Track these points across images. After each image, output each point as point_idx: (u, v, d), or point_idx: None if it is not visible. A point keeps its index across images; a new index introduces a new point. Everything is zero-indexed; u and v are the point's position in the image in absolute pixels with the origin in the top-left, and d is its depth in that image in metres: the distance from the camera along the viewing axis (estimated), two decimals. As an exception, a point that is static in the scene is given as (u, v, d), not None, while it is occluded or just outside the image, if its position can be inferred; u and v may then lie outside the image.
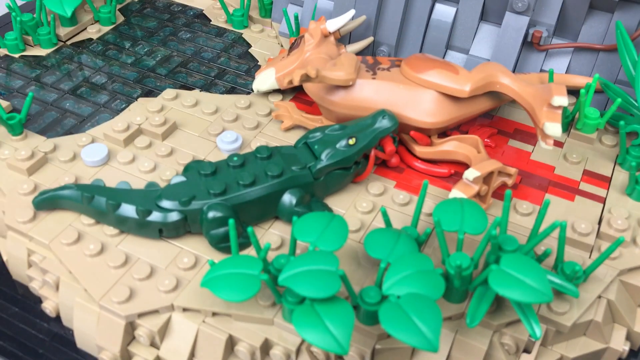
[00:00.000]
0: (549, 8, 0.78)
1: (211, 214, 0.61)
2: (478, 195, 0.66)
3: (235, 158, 0.65)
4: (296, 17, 0.87)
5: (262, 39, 0.94)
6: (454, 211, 0.60)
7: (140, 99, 0.82)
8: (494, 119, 0.80)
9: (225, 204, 0.62)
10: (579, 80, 0.80)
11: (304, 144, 0.68)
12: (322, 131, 0.68)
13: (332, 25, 0.78)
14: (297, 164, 0.66)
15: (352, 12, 0.79)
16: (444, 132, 0.75)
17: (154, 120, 0.76)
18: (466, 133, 0.76)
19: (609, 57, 0.79)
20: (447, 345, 0.58)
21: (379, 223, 0.66)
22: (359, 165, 0.68)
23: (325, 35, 0.78)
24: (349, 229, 0.65)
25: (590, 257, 0.64)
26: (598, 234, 0.65)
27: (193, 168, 0.66)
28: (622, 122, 0.70)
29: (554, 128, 0.64)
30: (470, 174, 0.63)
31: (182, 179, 0.64)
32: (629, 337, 0.63)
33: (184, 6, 1.02)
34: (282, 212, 0.65)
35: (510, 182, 0.68)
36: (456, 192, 0.64)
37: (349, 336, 0.51)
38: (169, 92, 0.82)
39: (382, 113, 0.68)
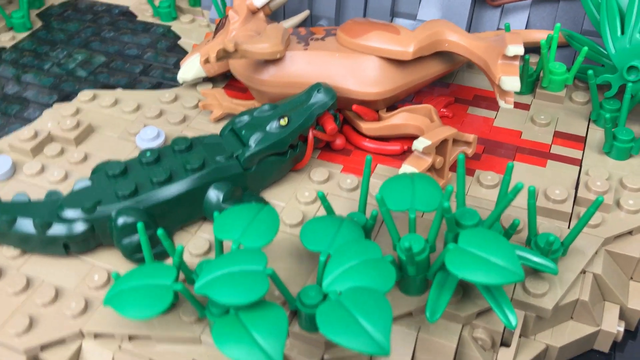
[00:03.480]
0: (498, -43, 0.70)
1: (121, 220, 0.52)
2: (433, 168, 0.57)
3: (148, 154, 0.56)
4: (221, -2, 0.79)
5: (193, 29, 0.85)
6: (403, 188, 0.51)
7: (55, 105, 0.73)
8: (450, 87, 0.71)
9: (137, 207, 0.53)
10: (541, 35, 0.71)
11: (230, 131, 0.59)
12: (250, 114, 0.59)
13: (259, -1, 0.70)
14: (223, 153, 0.57)
15: (280, -17, 0.71)
16: (394, 106, 0.66)
17: (66, 125, 0.66)
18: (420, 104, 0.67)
19: (570, 5, 0.71)
20: (410, 346, 0.49)
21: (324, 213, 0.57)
22: (297, 149, 0.59)
23: (253, 12, 0.70)
24: (290, 222, 0.56)
25: (569, 227, 0.55)
26: (576, 200, 0.56)
27: (101, 170, 0.57)
28: (590, 72, 0.61)
29: (511, 82, 0.56)
30: (419, 143, 0.55)
31: (87, 183, 0.55)
32: (622, 315, 0.54)
33: (108, 5, 0.93)
34: (208, 211, 0.56)
35: (469, 151, 0.59)
36: (407, 167, 0.55)
37: (281, 348, 0.41)
38: (85, 94, 0.72)
39: (317, 87, 0.59)
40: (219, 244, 0.49)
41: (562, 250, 0.50)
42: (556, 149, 0.62)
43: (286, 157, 0.59)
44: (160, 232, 0.47)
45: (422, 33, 0.61)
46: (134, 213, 0.52)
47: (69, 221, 0.53)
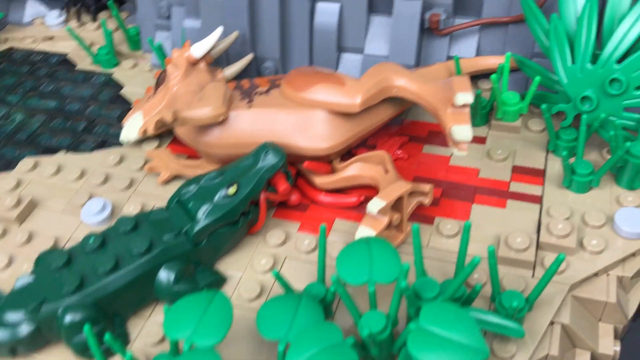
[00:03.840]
0: (441, -14, 0.67)
1: (68, 319, 0.49)
2: (391, 225, 0.55)
3: (91, 239, 0.53)
4: (159, 47, 0.75)
5: (136, 76, 0.82)
6: (360, 257, 0.49)
7: (-5, 176, 0.69)
8: (404, 124, 0.69)
9: (85, 302, 0.50)
10: (493, 61, 0.70)
11: (177, 203, 0.57)
12: (196, 183, 0.57)
13: (198, 50, 0.66)
14: (170, 230, 0.54)
15: (219, 30, 0.68)
16: (348, 151, 0.64)
17: (6, 202, 0.63)
18: (374, 147, 0.65)
19: (519, 29, 0.69)
20: None
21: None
22: (249, 216, 0.57)
23: (194, 63, 0.67)
24: (248, 296, 0.54)
25: (533, 275, 0.53)
26: (538, 245, 0.55)
27: (44, 261, 0.54)
28: (544, 106, 0.60)
29: (462, 132, 0.54)
30: (374, 206, 0.52)
31: (29, 279, 0.52)
32: (594, 361, 0.53)
33: (45, 53, 0.89)
34: (160, 294, 0.53)
35: (427, 200, 0.57)
36: (363, 230, 0.53)
37: None
38: (25, 163, 0.69)
39: (265, 148, 0.57)
40: (174, 344, 0.47)
41: (527, 307, 0.49)
42: (515, 186, 0.61)
43: (238, 226, 0.56)
44: (107, 337, 0.45)
45: (368, 82, 0.58)
46: (81, 309, 0.50)
47: (13, 325, 0.50)
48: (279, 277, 0.49)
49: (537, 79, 0.63)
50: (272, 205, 0.60)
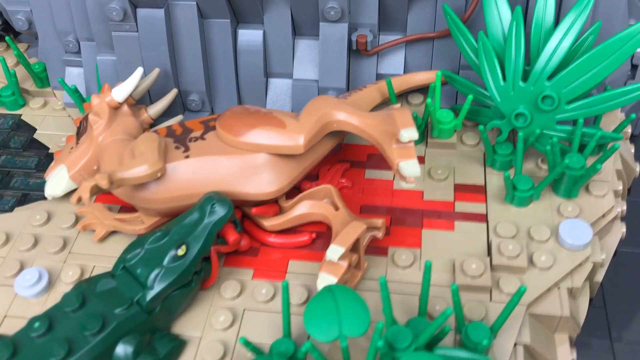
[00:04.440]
0: (366, 7, 0.66)
1: (24, 419, 0.46)
2: (349, 266, 0.55)
3: (36, 324, 0.50)
4: (73, 91, 0.70)
5: (47, 116, 0.76)
6: (327, 311, 0.48)
7: None
8: (342, 149, 0.68)
9: (40, 397, 0.47)
10: (422, 77, 0.70)
11: (123, 270, 0.53)
12: (141, 246, 0.54)
13: (120, 93, 0.62)
14: (121, 302, 0.51)
15: (139, 71, 0.64)
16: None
17: None
18: (317, 177, 0.64)
19: (445, 43, 0.69)
20: None
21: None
22: (202, 273, 0.55)
23: (116, 108, 0.63)
24: (211, 359, 0.52)
25: (491, 299, 0.55)
26: (492, 267, 0.56)
27: (-15, 353, 0.50)
28: (480, 127, 0.61)
29: (410, 167, 0.53)
30: (333, 253, 0.52)
31: (-29, 379, 0.48)
32: (554, 373, 0.56)
33: (-61, 97, 0.81)
34: (120, 371, 0.51)
35: (380, 234, 0.57)
36: (325, 278, 0.52)
37: None
38: (-61, 233, 0.63)
39: (210, 201, 0.54)
40: None
41: (493, 338, 0.50)
42: (460, 206, 0.62)
43: (192, 286, 0.54)
44: None
45: (309, 120, 0.57)
46: (36, 405, 0.46)
47: None
48: (247, 344, 0.48)
49: (470, 97, 0.63)
50: (222, 255, 0.58)
